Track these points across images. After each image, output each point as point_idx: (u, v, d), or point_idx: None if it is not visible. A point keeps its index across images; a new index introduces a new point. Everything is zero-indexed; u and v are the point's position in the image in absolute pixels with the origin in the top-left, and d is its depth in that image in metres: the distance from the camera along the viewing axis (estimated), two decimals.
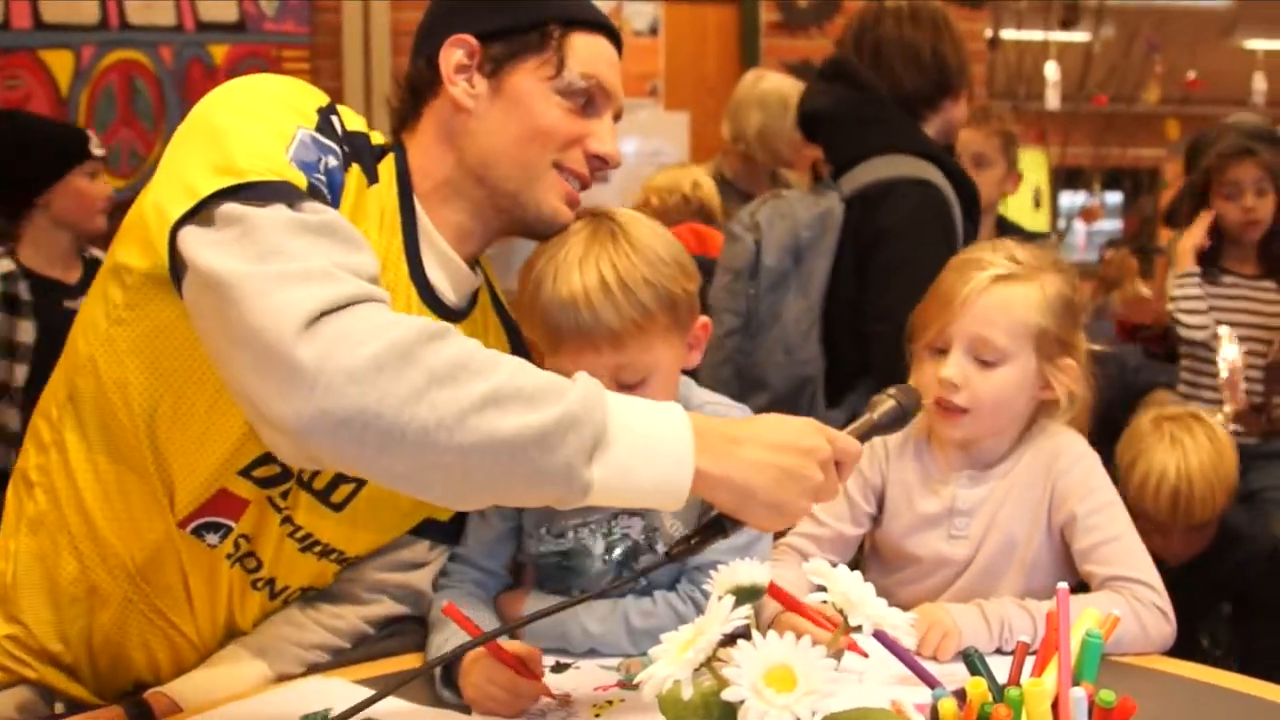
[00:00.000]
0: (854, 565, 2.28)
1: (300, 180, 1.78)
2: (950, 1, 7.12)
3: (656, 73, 7.28)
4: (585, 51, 2.17)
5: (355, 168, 2.01)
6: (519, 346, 2.40)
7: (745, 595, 1.49)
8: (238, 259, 1.64)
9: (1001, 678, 1.53)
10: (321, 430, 1.55)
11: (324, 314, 1.57)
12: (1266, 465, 4.91)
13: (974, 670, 1.49)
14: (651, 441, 1.68)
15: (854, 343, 3.46)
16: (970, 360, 2.36)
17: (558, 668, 2.11)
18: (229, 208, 1.70)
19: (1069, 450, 2.42)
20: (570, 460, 1.61)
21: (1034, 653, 1.54)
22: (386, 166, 2.13)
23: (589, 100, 2.18)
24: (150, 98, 6.27)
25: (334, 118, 1.99)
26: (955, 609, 2.24)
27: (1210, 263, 4.84)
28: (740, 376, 3.60)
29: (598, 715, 1.93)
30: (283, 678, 2.11)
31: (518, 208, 2.17)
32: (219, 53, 6.45)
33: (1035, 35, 9.97)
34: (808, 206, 3.59)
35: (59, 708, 2.09)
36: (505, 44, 2.14)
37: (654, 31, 7.29)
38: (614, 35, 2.24)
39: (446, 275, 2.19)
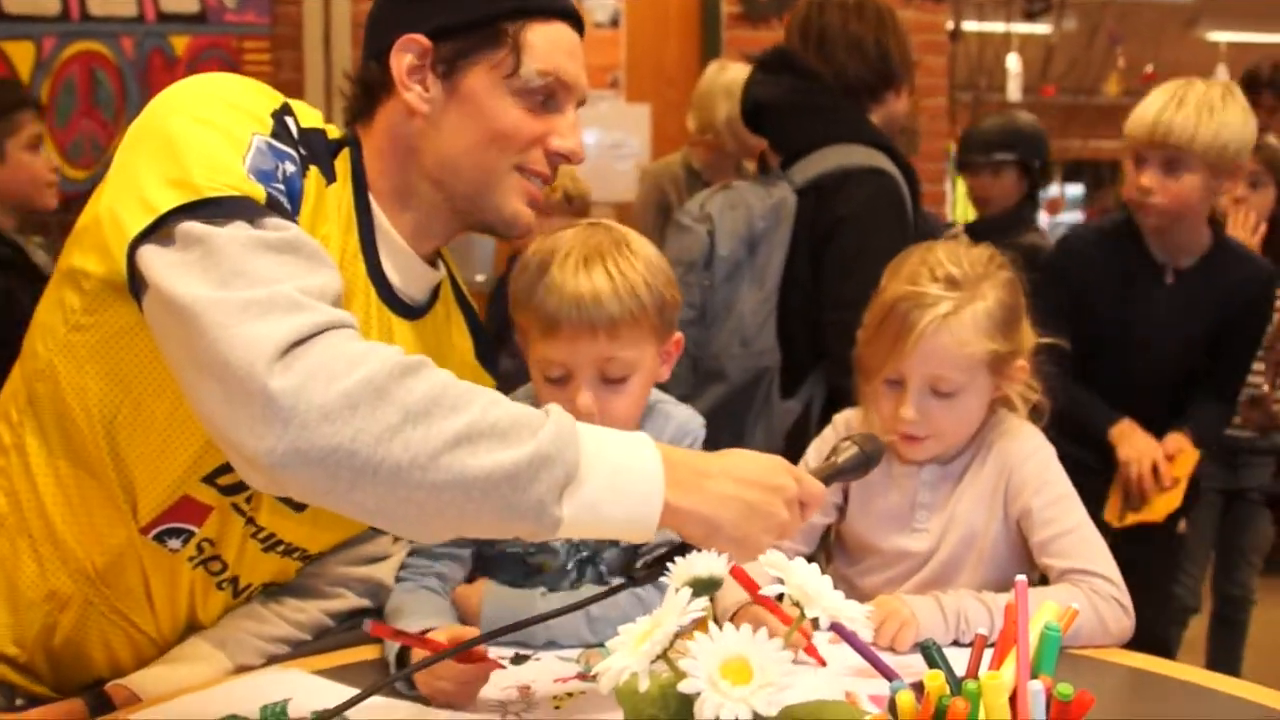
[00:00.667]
0: (814, 558, 2.29)
1: (259, 193, 1.75)
2: None
3: (617, 64, 7.26)
4: (543, 45, 2.08)
5: (314, 170, 1.97)
6: (481, 339, 2.40)
7: (703, 587, 1.49)
8: (201, 284, 1.61)
9: (960, 670, 1.53)
10: (295, 466, 1.52)
11: (294, 346, 1.54)
12: (1259, 464, 4.94)
13: (932, 663, 1.50)
14: (622, 477, 1.66)
15: (808, 332, 3.48)
16: (928, 395, 2.39)
17: (517, 659, 2.12)
18: (188, 226, 1.67)
19: (1024, 444, 2.44)
20: (542, 498, 1.59)
21: (992, 645, 1.54)
22: (343, 163, 2.09)
23: (549, 96, 2.10)
24: (111, 89, 6.26)
25: (289, 119, 1.95)
26: (912, 600, 2.25)
27: None
28: (696, 369, 3.59)
29: (558, 707, 1.93)
30: (242, 669, 2.10)
31: (478, 210, 2.14)
32: (180, 44, 6.43)
33: (997, 27, 10.00)
34: (760, 197, 3.60)
35: (19, 703, 2.08)
36: (457, 42, 2.06)
37: (615, 23, 7.27)
38: (574, 18, 2.17)
39: (405, 272, 2.16)
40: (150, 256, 1.68)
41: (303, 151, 1.94)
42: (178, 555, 2.04)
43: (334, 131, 2.11)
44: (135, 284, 1.73)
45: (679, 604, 1.36)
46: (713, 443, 3.07)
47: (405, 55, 2.05)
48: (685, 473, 1.72)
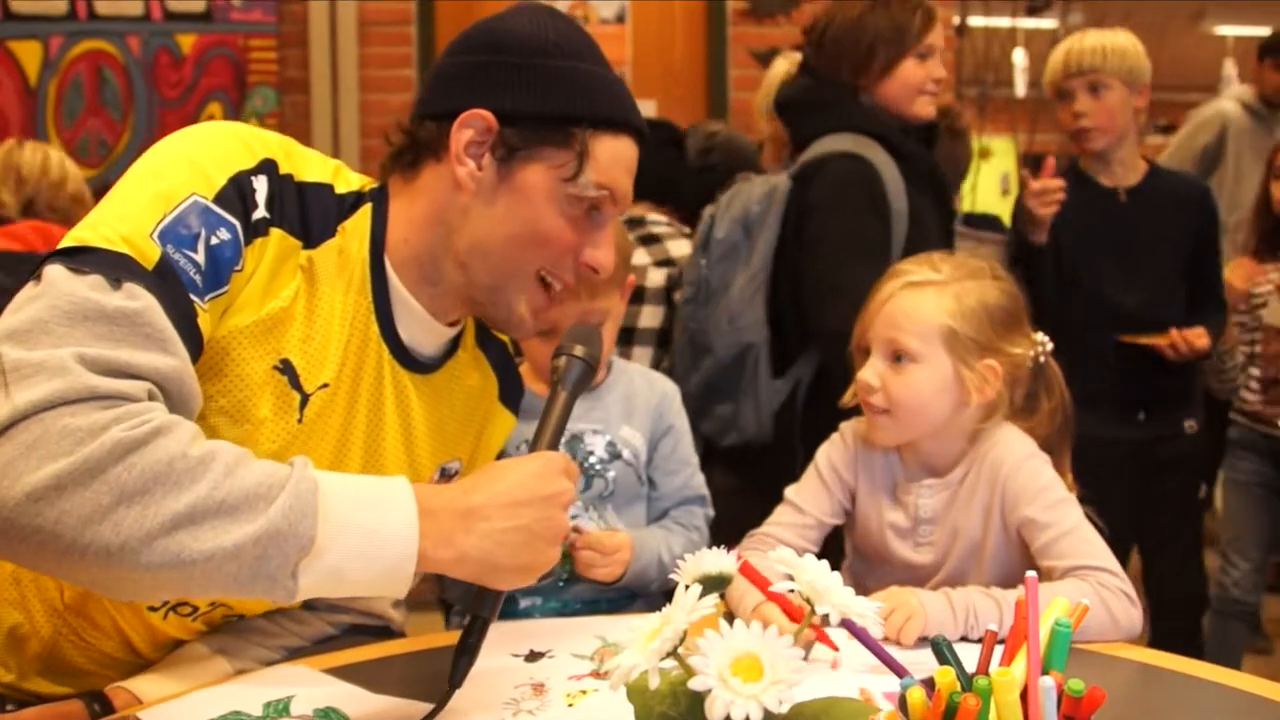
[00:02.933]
0: (825, 554, 2.30)
1: (151, 256, 1.70)
2: None
3: (624, 61, 7.26)
4: (607, 157, 2.02)
5: (275, 233, 1.88)
6: (507, 378, 2.39)
7: (712, 584, 1.49)
8: (4, 332, 1.58)
9: (970, 666, 1.53)
10: None
11: (23, 420, 1.50)
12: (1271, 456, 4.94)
13: (942, 659, 1.49)
14: (370, 541, 1.63)
15: (796, 314, 3.58)
16: (886, 362, 2.46)
17: (531, 656, 2.12)
18: (52, 268, 1.64)
19: (1013, 453, 2.47)
20: (272, 573, 1.57)
21: (1002, 641, 1.54)
22: (359, 220, 2.03)
23: (596, 208, 2.04)
24: (118, 87, 6.27)
25: (260, 179, 1.87)
26: (922, 594, 2.26)
27: (1270, 244, 4.96)
28: (692, 343, 3.77)
29: (571, 705, 1.93)
30: (242, 673, 2.09)
31: (489, 304, 2.09)
32: (186, 42, 6.44)
33: (1003, 22, 9.98)
34: (760, 184, 3.73)
35: (9, 708, 2.06)
36: (525, 132, 1.98)
37: (621, 20, 7.27)
38: (642, 134, 2.11)
39: (422, 335, 2.12)
40: (22, 290, 1.66)
41: (262, 215, 1.86)
42: (137, 604, 2.02)
43: (350, 184, 2.06)
44: None
45: (689, 601, 1.36)
46: (705, 415, 3.31)
47: (468, 130, 1.98)
48: (447, 520, 1.70)
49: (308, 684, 1.98)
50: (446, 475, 2.25)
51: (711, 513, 2.87)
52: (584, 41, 2.05)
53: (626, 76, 7.25)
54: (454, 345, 2.23)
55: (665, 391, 2.87)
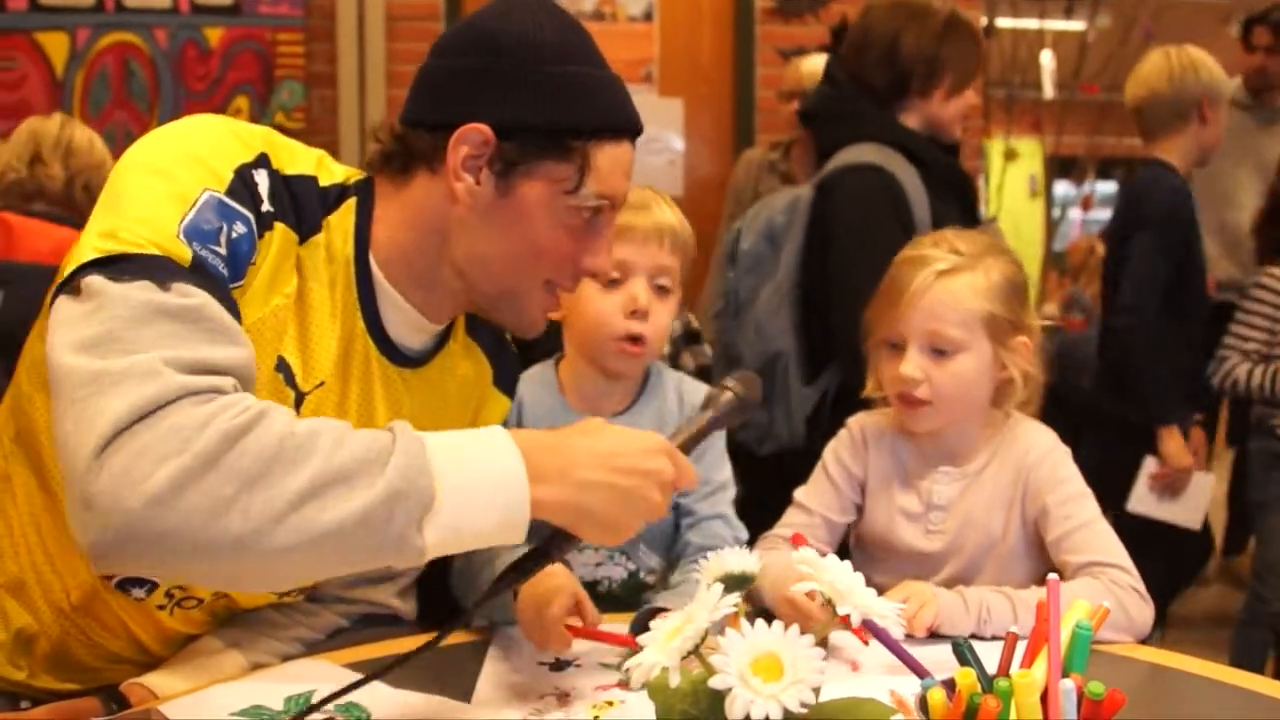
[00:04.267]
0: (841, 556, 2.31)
1: (184, 255, 1.69)
2: None
3: (651, 58, 7.25)
4: (607, 165, 1.98)
5: (279, 227, 1.87)
6: (501, 363, 2.38)
7: (734, 583, 1.49)
8: (71, 346, 1.56)
9: (991, 668, 1.53)
10: (119, 555, 1.50)
11: (129, 425, 1.49)
12: None
13: (963, 661, 1.49)
14: (484, 489, 1.64)
15: (824, 325, 3.57)
16: (927, 354, 2.43)
17: (557, 665, 2.11)
18: (92, 279, 1.62)
19: (1038, 444, 2.48)
20: (401, 533, 1.57)
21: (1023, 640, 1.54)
22: (344, 216, 2.01)
23: (596, 215, 2.01)
24: (145, 80, 6.28)
25: (260, 172, 1.86)
26: (935, 588, 2.29)
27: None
28: (725, 355, 3.82)
29: (597, 717, 1.92)
30: (258, 668, 2.09)
31: (495, 310, 2.10)
32: (214, 35, 6.46)
33: (1030, 23, 9.97)
34: (784, 195, 3.78)
35: (24, 705, 2.06)
36: (523, 145, 1.93)
37: (648, 17, 7.26)
38: (639, 133, 2.08)
39: (410, 329, 2.10)
40: (56, 308, 1.64)
41: (268, 209, 1.85)
42: (145, 603, 2.01)
43: (334, 175, 2.03)
44: None
45: (710, 600, 1.36)
46: (745, 424, 3.34)
47: (464, 145, 1.93)
48: (550, 463, 1.70)
49: (329, 679, 1.97)
50: None
51: (743, 535, 2.61)
52: (579, 38, 2.02)
53: (654, 74, 7.25)
54: (444, 337, 2.21)
55: (693, 406, 2.66)
